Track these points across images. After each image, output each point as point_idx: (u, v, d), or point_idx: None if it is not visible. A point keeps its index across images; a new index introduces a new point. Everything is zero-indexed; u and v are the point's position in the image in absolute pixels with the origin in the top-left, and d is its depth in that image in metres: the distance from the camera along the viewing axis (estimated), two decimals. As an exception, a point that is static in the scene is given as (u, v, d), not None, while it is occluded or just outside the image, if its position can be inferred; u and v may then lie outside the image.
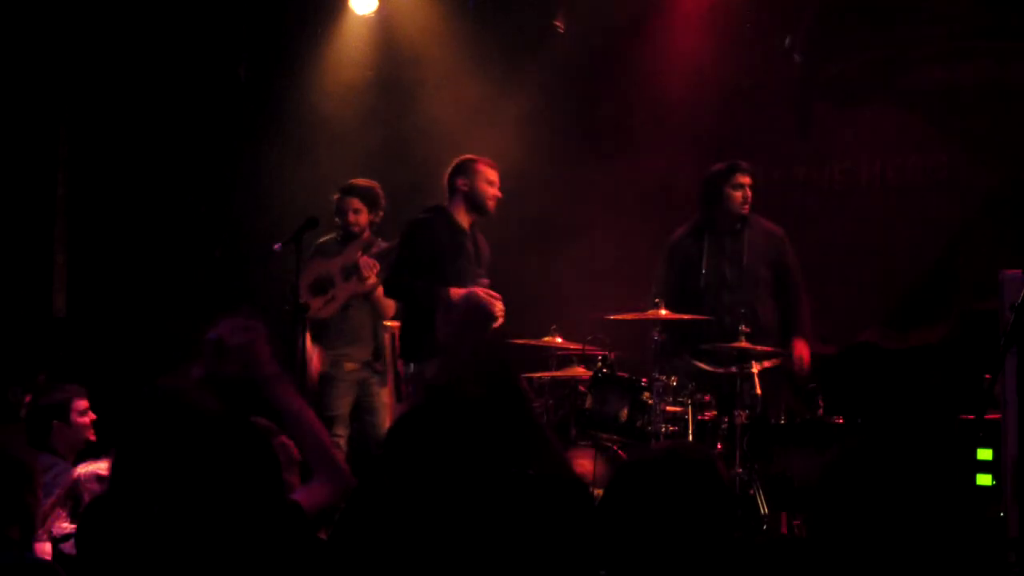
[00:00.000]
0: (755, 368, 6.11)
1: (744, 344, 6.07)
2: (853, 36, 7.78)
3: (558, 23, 8.12)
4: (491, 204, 6.43)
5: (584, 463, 6.03)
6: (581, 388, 6.26)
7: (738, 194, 6.53)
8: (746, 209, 6.56)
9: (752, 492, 5.75)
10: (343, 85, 8.42)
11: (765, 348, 6.17)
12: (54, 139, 7.78)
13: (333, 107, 8.37)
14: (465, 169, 6.42)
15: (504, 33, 8.27)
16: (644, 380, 6.09)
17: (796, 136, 7.96)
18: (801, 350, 6.51)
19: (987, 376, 4.93)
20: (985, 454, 5.25)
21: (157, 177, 8.09)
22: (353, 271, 6.80)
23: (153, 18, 7.95)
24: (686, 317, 6.31)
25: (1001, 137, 7.18)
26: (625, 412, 6.06)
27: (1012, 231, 6.93)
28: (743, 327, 6.09)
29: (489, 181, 6.44)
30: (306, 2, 8.47)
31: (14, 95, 7.55)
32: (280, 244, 6.26)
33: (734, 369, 6.16)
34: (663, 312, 6.16)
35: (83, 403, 5.15)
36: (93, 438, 5.15)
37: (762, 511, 5.72)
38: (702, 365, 6.42)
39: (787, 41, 7.93)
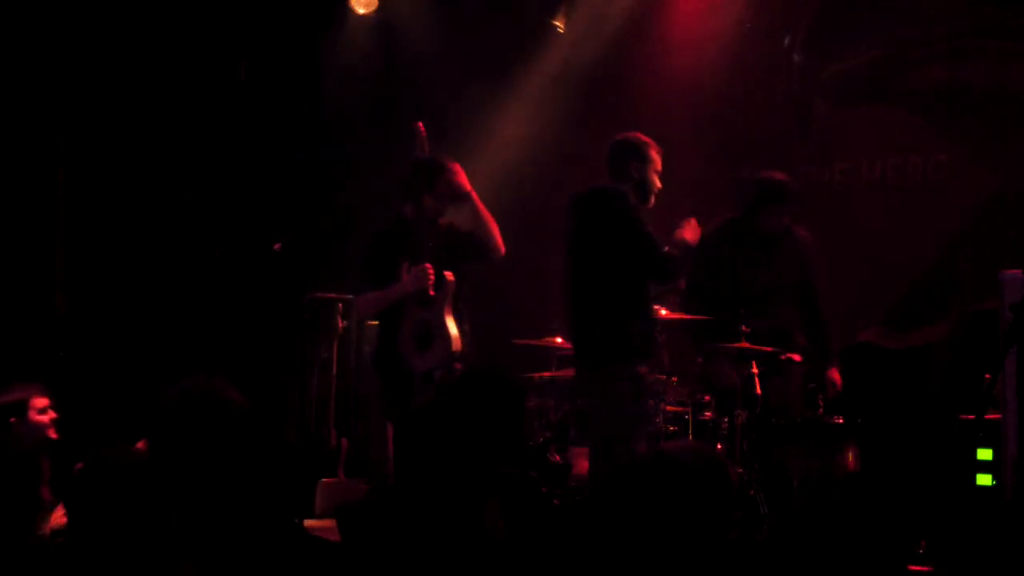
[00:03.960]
0: (755, 368, 6.11)
1: (744, 344, 6.07)
2: (853, 36, 7.77)
3: (558, 23, 8.11)
4: (653, 198, 5.70)
5: (584, 463, 6.03)
6: (581, 388, 6.24)
7: (774, 220, 6.37)
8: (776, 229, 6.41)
9: (752, 492, 5.75)
10: (343, 85, 8.41)
11: (764, 348, 6.15)
12: (54, 139, 7.77)
13: (333, 107, 8.37)
14: (639, 152, 5.66)
15: (504, 33, 8.27)
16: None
17: (796, 136, 7.96)
18: (835, 376, 6.41)
19: (987, 376, 4.94)
20: (985, 454, 5.25)
21: (157, 177, 8.08)
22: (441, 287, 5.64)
23: (153, 18, 7.94)
24: (686, 317, 6.30)
25: (1001, 137, 7.17)
26: (625, 412, 6.04)
27: (1012, 231, 6.93)
28: (743, 327, 6.08)
29: (658, 171, 5.68)
30: (306, 2, 8.47)
31: (13, 94, 7.54)
32: (280, 244, 6.23)
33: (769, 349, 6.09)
34: (663, 312, 6.15)
35: (42, 401, 5.22)
36: (55, 436, 5.17)
37: (762, 511, 5.72)
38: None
39: (787, 41, 7.93)
